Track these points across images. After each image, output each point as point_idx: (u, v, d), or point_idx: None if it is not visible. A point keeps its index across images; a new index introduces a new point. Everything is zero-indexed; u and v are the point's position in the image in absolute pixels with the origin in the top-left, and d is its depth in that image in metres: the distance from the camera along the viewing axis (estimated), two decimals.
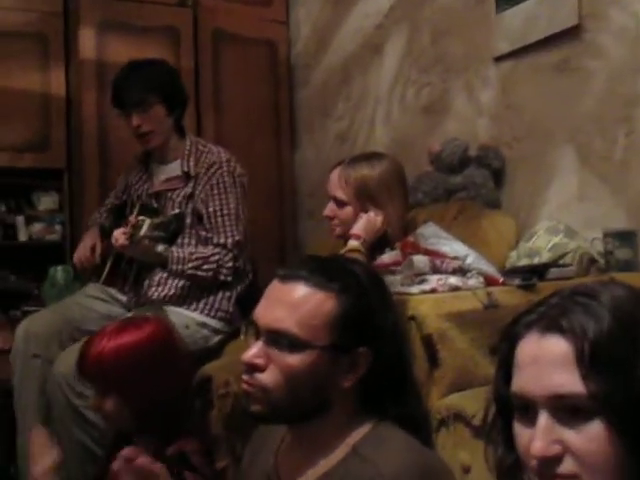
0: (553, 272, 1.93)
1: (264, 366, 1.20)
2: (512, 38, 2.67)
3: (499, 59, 2.72)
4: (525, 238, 2.30)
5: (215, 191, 2.54)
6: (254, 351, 1.21)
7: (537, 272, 1.89)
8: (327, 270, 1.24)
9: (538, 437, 0.84)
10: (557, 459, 0.83)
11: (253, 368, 1.20)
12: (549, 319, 0.88)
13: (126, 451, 1.46)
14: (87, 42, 3.42)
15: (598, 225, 2.27)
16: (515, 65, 2.67)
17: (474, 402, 1.60)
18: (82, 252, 2.67)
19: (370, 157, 2.44)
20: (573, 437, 0.83)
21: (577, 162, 2.43)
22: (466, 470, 1.62)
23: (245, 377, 1.22)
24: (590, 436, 0.82)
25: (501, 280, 1.88)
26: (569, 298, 0.89)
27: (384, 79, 3.27)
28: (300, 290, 1.20)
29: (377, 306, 1.24)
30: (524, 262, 2.18)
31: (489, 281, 1.87)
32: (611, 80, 2.34)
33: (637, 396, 0.81)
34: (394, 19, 3.23)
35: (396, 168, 2.41)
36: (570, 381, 0.83)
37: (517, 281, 1.82)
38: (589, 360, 0.82)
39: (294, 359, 1.18)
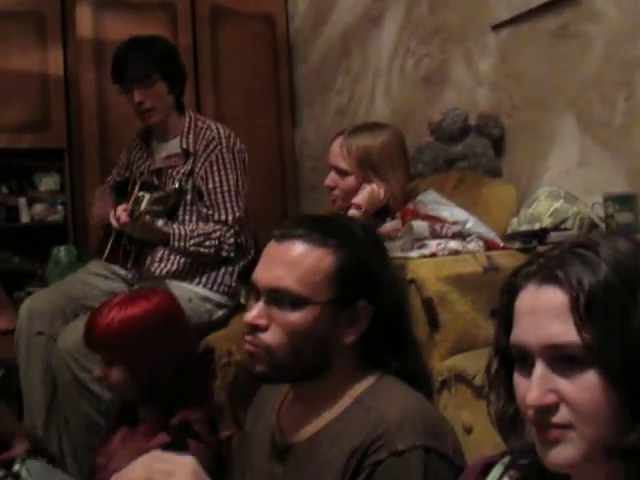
0: (553, 236, 1.93)
1: (266, 326, 1.20)
2: (510, 5, 2.65)
3: (497, 27, 2.71)
4: (526, 205, 2.30)
5: (215, 167, 2.54)
6: (255, 312, 1.21)
7: (537, 236, 1.90)
8: (323, 227, 1.25)
9: (534, 386, 0.84)
10: (553, 408, 0.84)
11: (255, 328, 1.21)
12: (547, 270, 0.88)
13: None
14: (84, 21, 3.41)
15: (599, 190, 2.26)
16: (513, 33, 2.65)
17: (475, 363, 1.61)
18: (101, 208, 2.67)
19: (372, 127, 2.43)
20: (568, 386, 0.83)
21: (577, 128, 2.42)
22: (468, 430, 1.63)
23: (248, 338, 1.22)
24: (584, 385, 0.83)
25: (501, 244, 1.88)
26: (568, 250, 0.90)
27: (383, 51, 3.26)
28: (297, 248, 1.21)
29: (375, 261, 1.26)
30: (525, 228, 2.18)
31: (489, 245, 1.87)
32: (610, 45, 2.33)
33: (631, 347, 0.82)
34: None
35: (398, 138, 2.41)
36: (565, 331, 0.83)
37: (517, 244, 1.83)
38: (584, 310, 0.83)
39: (296, 316, 1.19)
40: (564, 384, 0.84)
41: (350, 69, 3.48)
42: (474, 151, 2.58)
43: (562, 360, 0.84)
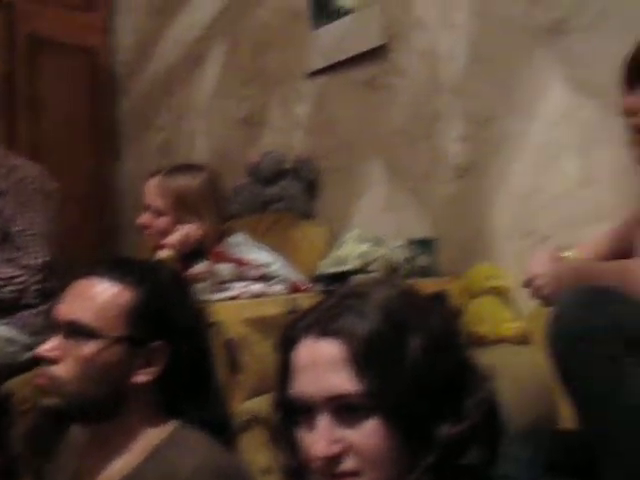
0: (357, 279, 2.01)
1: (58, 358, 1.19)
2: (326, 55, 2.76)
3: (313, 74, 2.81)
4: (335, 247, 2.38)
5: (24, 208, 2.44)
6: (48, 345, 1.21)
7: (340, 279, 1.97)
8: (124, 266, 1.28)
9: (319, 438, 0.87)
10: (339, 457, 0.87)
11: (47, 361, 1.20)
12: (322, 323, 0.91)
13: None
14: None
15: (405, 234, 2.39)
16: (328, 81, 2.77)
17: None
18: None
19: (189, 168, 2.44)
20: (352, 435, 0.87)
21: (385, 174, 2.56)
22: (266, 472, 1.65)
23: (39, 371, 1.21)
24: (368, 433, 0.86)
25: (306, 287, 1.94)
26: (341, 300, 0.93)
27: (205, 91, 3.29)
28: (96, 283, 1.23)
29: (176, 303, 1.27)
30: (333, 270, 2.25)
31: (294, 288, 1.92)
32: (415, 98, 2.48)
33: (407, 391, 0.86)
34: (215, 32, 3.26)
35: (214, 179, 2.43)
36: (345, 381, 0.87)
37: (320, 287, 1.89)
38: (362, 359, 0.87)
39: (89, 349, 1.19)
40: (348, 433, 0.87)
41: (173, 107, 3.48)
42: (289, 193, 2.65)
43: (344, 410, 0.87)
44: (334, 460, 0.87)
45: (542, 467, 1.37)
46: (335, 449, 0.87)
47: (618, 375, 1.20)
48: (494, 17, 2.27)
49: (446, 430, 0.87)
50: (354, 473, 0.87)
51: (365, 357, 0.87)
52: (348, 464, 0.87)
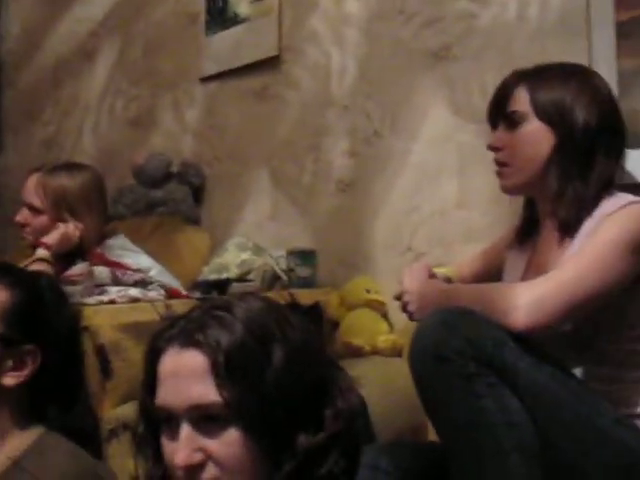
0: (235, 287, 2.03)
1: None
2: (219, 61, 2.77)
3: (205, 80, 2.81)
4: (217, 254, 2.39)
5: None
6: None
7: (219, 286, 1.98)
8: (2, 267, 1.29)
9: (181, 447, 0.88)
10: (200, 466, 0.89)
11: None
12: (187, 333, 0.92)
13: None
14: None
15: (287, 244, 2.42)
16: (220, 87, 2.77)
17: None
18: None
19: (70, 167, 2.39)
20: (213, 444, 0.88)
21: (270, 184, 2.58)
22: (135, 479, 1.64)
23: None
24: (228, 442, 0.88)
25: (183, 293, 1.94)
26: (207, 312, 0.95)
27: (94, 88, 3.23)
28: None
29: (51, 308, 1.26)
30: (213, 277, 2.26)
31: (171, 294, 1.92)
32: (303, 110, 2.53)
33: (267, 402, 0.88)
34: (108, 28, 3.20)
35: (97, 180, 2.39)
36: (206, 391, 0.88)
37: (197, 294, 1.89)
38: (223, 370, 0.88)
39: None
40: (209, 442, 0.88)
41: (60, 101, 3.39)
42: (174, 197, 2.63)
43: (206, 420, 0.89)
44: (195, 469, 0.88)
45: (403, 477, 1.43)
46: (196, 458, 0.88)
47: (472, 394, 1.26)
48: (384, 38, 2.34)
49: (305, 440, 0.89)
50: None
51: (226, 368, 0.88)
52: (208, 473, 0.89)
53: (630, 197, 1.43)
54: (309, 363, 0.94)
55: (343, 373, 1.00)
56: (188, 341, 0.91)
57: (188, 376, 0.90)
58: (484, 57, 2.11)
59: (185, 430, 0.89)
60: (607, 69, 1.79)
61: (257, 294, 1.03)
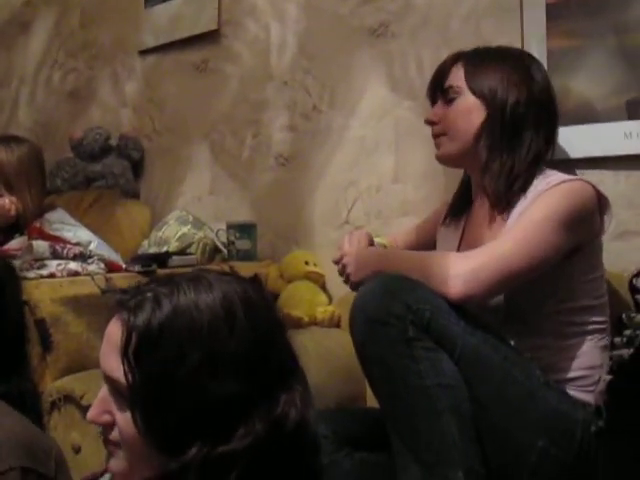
0: (175, 260, 2.04)
1: None
2: (158, 34, 2.75)
3: (144, 52, 2.79)
4: (157, 228, 2.40)
5: None
6: None
7: (158, 259, 1.99)
8: None
9: (94, 405, 0.92)
10: (109, 427, 0.91)
11: None
12: (126, 302, 0.91)
13: None
14: None
15: (226, 217, 2.44)
16: (159, 60, 2.76)
17: (84, 383, 1.65)
18: None
19: (8, 140, 2.37)
20: (117, 415, 0.90)
21: (210, 158, 2.59)
22: (77, 450, 1.66)
23: None
24: (126, 420, 0.88)
25: (122, 267, 1.95)
26: (153, 288, 0.92)
27: (30, 59, 3.17)
28: None
29: None
30: (153, 250, 2.27)
31: (111, 267, 1.92)
32: (243, 84, 2.53)
33: (163, 402, 0.86)
34: None
35: (35, 153, 2.37)
36: (116, 366, 0.87)
37: (137, 267, 1.90)
38: (132, 351, 0.86)
39: None
40: (116, 412, 0.90)
41: None
42: (112, 171, 2.62)
43: (115, 390, 0.90)
44: (105, 427, 0.91)
45: (341, 442, 1.48)
46: (104, 419, 0.91)
47: (410, 358, 1.31)
48: (323, 13, 2.35)
49: (196, 452, 0.85)
50: (117, 444, 0.91)
51: (136, 351, 0.86)
52: (113, 436, 0.91)
53: (563, 176, 1.50)
54: (234, 378, 0.87)
55: (296, 391, 0.92)
56: (121, 310, 0.90)
57: (111, 345, 0.89)
58: (421, 35, 2.15)
59: (103, 391, 0.91)
60: (538, 49, 1.85)
61: (209, 280, 0.92)
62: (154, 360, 0.86)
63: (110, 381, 0.90)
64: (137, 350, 0.86)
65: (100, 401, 0.91)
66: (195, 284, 0.91)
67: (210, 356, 0.86)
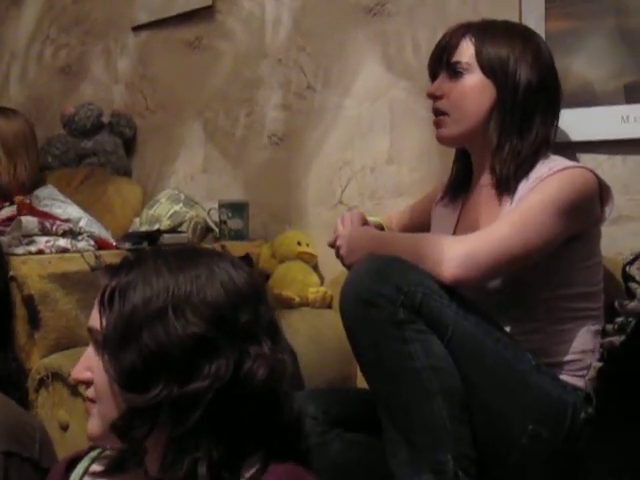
0: (166, 238, 2.02)
1: None
2: (150, 10, 2.71)
3: (137, 29, 2.75)
4: (148, 206, 2.38)
5: None
6: None
7: (149, 237, 1.97)
8: None
9: (78, 363, 0.95)
10: (90, 385, 0.94)
11: None
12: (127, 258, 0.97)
13: None
14: None
15: (219, 196, 2.42)
16: (152, 37, 2.72)
17: (72, 361, 1.60)
18: None
19: (5, 111, 2.41)
20: (95, 369, 0.92)
21: (203, 136, 2.57)
22: (65, 428, 1.65)
23: None
24: (100, 369, 0.91)
25: (114, 244, 1.93)
26: (152, 256, 0.95)
27: (21, 33, 3.12)
28: None
29: None
30: (145, 228, 2.25)
31: (101, 244, 1.91)
32: (237, 62, 2.51)
33: (128, 344, 0.88)
34: None
35: (30, 127, 2.44)
36: (95, 316, 0.93)
37: (127, 245, 1.88)
38: (107, 297, 0.90)
39: None
40: (94, 366, 0.92)
41: None
42: (104, 149, 2.60)
43: (95, 341, 0.93)
44: (86, 384, 0.95)
45: (330, 423, 1.47)
46: (84, 376, 0.94)
47: (401, 340, 1.30)
48: None
49: (162, 389, 0.88)
50: (92, 400, 0.94)
51: (110, 297, 0.90)
52: (90, 393, 0.94)
53: (566, 162, 1.48)
54: (200, 319, 0.89)
55: (268, 349, 0.93)
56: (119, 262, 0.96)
57: (96, 303, 0.94)
58: (417, 14, 2.12)
59: (88, 349, 0.95)
60: (536, 30, 1.81)
61: (216, 253, 1.00)
62: (124, 302, 0.89)
63: (90, 332, 0.93)
64: (111, 295, 0.90)
65: (84, 359, 0.94)
66: (180, 253, 0.97)
67: (177, 298, 0.89)
